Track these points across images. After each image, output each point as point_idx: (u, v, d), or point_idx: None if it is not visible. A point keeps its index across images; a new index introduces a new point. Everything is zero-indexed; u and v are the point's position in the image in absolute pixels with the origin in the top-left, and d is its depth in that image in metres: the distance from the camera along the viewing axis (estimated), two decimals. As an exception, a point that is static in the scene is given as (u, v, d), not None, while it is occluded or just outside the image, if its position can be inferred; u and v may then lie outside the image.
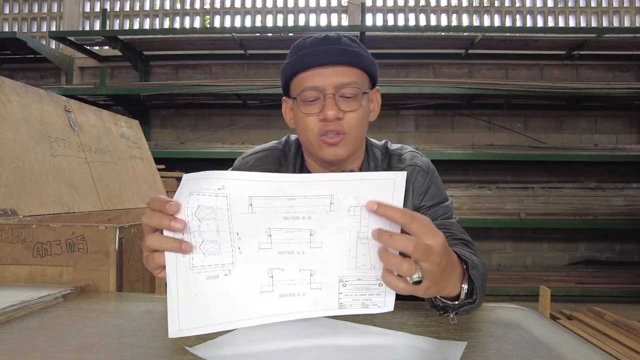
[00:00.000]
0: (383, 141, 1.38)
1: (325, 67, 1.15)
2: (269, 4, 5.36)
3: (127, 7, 5.49)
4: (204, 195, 0.77)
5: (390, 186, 0.76)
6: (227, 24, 5.36)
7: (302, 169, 1.30)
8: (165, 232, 0.76)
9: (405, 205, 1.17)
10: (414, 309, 0.96)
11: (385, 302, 0.80)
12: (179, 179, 3.61)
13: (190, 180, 0.78)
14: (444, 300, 0.86)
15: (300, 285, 0.80)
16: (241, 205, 0.77)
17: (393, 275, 0.74)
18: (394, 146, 1.36)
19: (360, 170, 1.27)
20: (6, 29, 5.55)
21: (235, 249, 0.78)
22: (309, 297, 0.80)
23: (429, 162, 1.34)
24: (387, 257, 0.73)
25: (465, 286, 0.85)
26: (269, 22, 5.35)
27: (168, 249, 0.76)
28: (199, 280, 0.78)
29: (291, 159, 1.32)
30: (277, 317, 0.80)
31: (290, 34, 4.85)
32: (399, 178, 0.77)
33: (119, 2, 5.50)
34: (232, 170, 1.23)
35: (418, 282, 0.72)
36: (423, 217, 0.74)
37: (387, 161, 1.31)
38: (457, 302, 0.86)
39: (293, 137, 1.37)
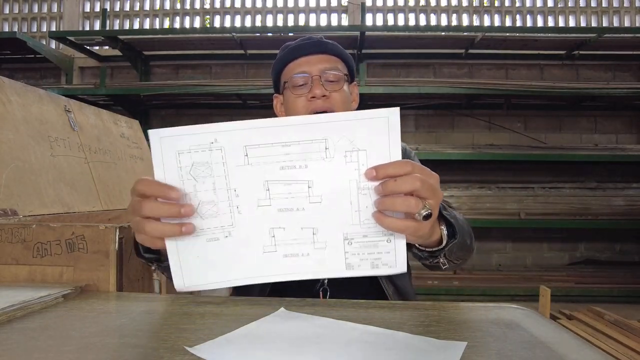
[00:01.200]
0: None
1: (311, 56, 1.35)
2: (269, 4, 5.37)
3: (127, 7, 5.49)
4: (196, 151, 0.76)
5: (384, 125, 0.75)
6: (227, 24, 5.37)
7: None
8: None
9: None
10: (414, 308, 0.96)
11: (397, 261, 0.78)
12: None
13: (169, 137, 0.77)
14: (430, 249, 0.93)
15: (304, 245, 0.79)
16: (237, 156, 0.76)
17: (400, 217, 0.75)
18: None
19: None
20: (6, 29, 5.54)
21: (234, 209, 0.77)
22: (313, 257, 0.79)
23: (405, 145, 1.45)
24: (391, 199, 0.74)
25: (443, 228, 0.91)
26: (269, 22, 5.35)
27: (170, 235, 0.78)
28: (198, 242, 0.79)
29: None
30: (284, 276, 0.81)
31: (290, 34, 4.84)
32: (393, 115, 0.76)
33: (119, 2, 5.50)
34: None
35: (428, 216, 0.73)
36: (417, 163, 0.78)
37: None
38: (442, 246, 0.92)
39: None
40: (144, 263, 1.07)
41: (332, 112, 1.29)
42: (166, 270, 0.97)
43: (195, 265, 0.79)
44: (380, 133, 0.75)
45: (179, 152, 0.75)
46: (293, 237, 0.78)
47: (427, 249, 0.93)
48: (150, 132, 0.76)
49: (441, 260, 0.96)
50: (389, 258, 0.78)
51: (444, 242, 0.92)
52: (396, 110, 0.76)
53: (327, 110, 1.30)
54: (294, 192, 0.76)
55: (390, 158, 0.76)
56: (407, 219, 0.75)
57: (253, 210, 0.77)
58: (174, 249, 0.78)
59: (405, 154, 1.39)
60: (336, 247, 0.78)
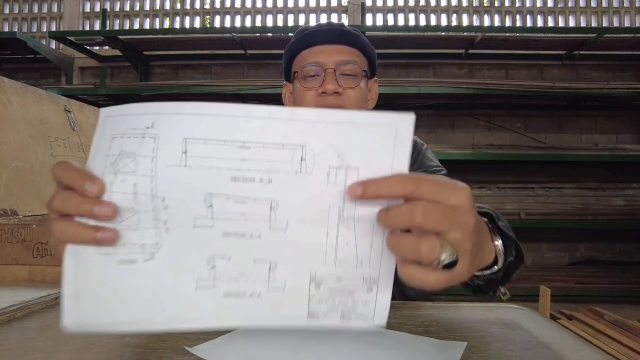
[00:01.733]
0: None
1: (327, 45, 1.20)
2: (269, 4, 5.36)
3: (127, 7, 5.49)
4: (128, 137, 0.55)
5: (390, 135, 0.53)
6: (227, 24, 5.36)
7: None
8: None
9: None
10: (413, 308, 0.96)
11: (375, 314, 0.56)
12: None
13: (113, 117, 0.59)
14: (484, 273, 0.73)
15: (255, 283, 0.56)
16: (171, 152, 0.54)
17: (413, 264, 0.52)
18: None
19: None
20: (6, 29, 5.54)
21: (160, 224, 0.54)
22: (266, 299, 0.56)
23: (416, 138, 1.35)
24: (394, 239, 0.51)
25: (498, 242, 0.71)
26: (269, 22, 5.35)
27: (77, 239, 0.54)
28: (106, 265, 0.55)
29: None
30: (221, 321, 0.57)
31: (290, 34, 4.83)
32: (405, 123, 0.53)
33: (119, 2, 5.50)
34: None
35: (452, 263, 0.53)
36: (431, 176, 0.53)
37: None
38: (497, 267, 0.72)
39: None
40: None
41: None
42: None
43: (98, 297, 0.55)
44: (382, 147, 0.53)
45: (114, 136, 0.56)
46: (241, 271, 0.55)
47: (481, 274, 0.74)
48: (101, 110, 0.61)
49: (502, 290, 0.79)
50: (366, 310, 0.56)
51: (500, 264, 0.72)
52: (410, 118, 0.53)
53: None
54: (249, 214, 0.54)
55: None
56: (428, 268, 0.52)
57: (187, 229, 0.54)
58: (71, 268, 0.54)
59: (415, 150, 1.26)
60: (299, 289, 0.56)
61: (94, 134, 0.59)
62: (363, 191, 0.51)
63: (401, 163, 0.53)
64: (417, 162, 1.28)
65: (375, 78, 1.32)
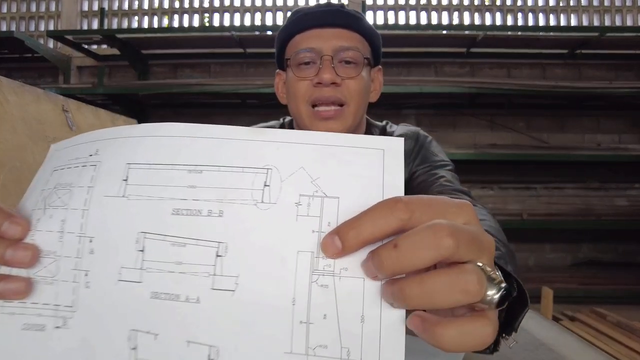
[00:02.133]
0: (384, 122, 1.26)
1: (324, 29, 1.05)
2: (269, 3, 5.34)
3: (125, 6, 5.47)
4: (69, 168, 0.46)
5: (377, 161, 0.41)
6: (226, 23, 5.33)
7: None
8: None
9: None
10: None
11: None
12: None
13: (59, 150, 0.49)
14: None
15: None
16: (111, 180, 0.43)
17: (449, 322, 0.36)
18: (392, 127, 1.24)
19: None
20: (4, 28, 5.51)
21: (80, 277, 0.41)
22: None
23: (419, 130, 1.22)
24: (420, 287, 0.34)
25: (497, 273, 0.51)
26: (269, 21, 5.32)
27: None
28: (7, 328, 0.41)
29: None
30: None
31: (290, 33, 4.82)
32: (394, 146, 0.42)
33: (117, 1, 5.47)
34: None
35: (506, 297, 0.36)
36: (424, 196, 0.38)
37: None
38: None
39: (289, 117, 1.26)
40: None
41: (343, 105, 1.02)
42: None
43: None
44: (368, 174, 0.41)
45: (54, 169, 0.47)
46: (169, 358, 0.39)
47: None
48: (52, 145, 0.51)
49: (510, 340, 0.59)
50: None
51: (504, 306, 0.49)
52: (399, 141, 0.42)
53: (335, 104, 1.02)
54: (186, 263, 0.40)
55: None
56: (473, 320, 0.36)
57: (109, 285, 0.41)
58: None
59: (417, 143, 1.16)
60: None
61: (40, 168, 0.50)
62: (342, 242, 0.36)
63: (394, 192, 0.40)
64: (420, 156, 1.14)
65: (380, 67, 1.17)
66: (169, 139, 0.44)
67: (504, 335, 0.56)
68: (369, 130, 1.20)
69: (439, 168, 1.10)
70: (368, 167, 0.41)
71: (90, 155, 0.45)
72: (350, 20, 1.06)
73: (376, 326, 0.36)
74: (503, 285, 0.36)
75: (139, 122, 2.70)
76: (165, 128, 0.44)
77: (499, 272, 0.38)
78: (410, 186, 1.09)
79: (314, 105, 1.04)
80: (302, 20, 1.08)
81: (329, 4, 1.09)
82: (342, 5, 1.09)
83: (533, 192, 4.71)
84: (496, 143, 4.95)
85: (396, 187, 0.40)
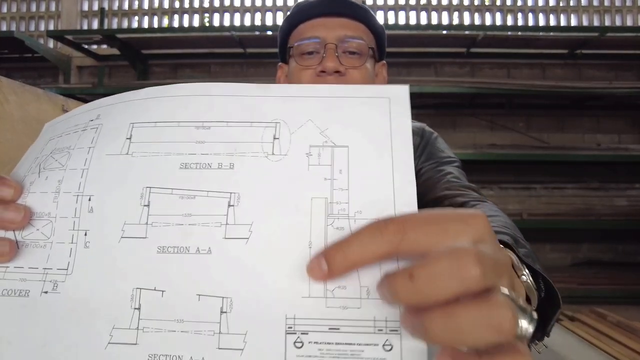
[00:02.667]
0: None
1: (329, 17, 1.03)
2: (269, 3, 5.33)
3: (125, 6, 5.46)
4: (67, 134, 0.45)
5: (384, 108, 0.42)
6: (227, 23, 5.33)
7: None
8: None
9: None
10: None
11: None
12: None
13: (55, 124, 0.49)
14: None
15: (196, 338, 0.36)
16: (113, 139, 0.42)
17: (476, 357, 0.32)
18: None
19: None
20: (4, 28, 5.51)
21: (79, 237, 0.39)
22: None
23: (425, 125, 1.22)
24: (444, 323, 0.30)
25: (525, 277, 0.52)
26: (269, 21, 5.31)
27: None
28: None
29: None
30: None
31: (290, 33, 4.81)
32: (399, 93, 0.44)
33: (117, 1, 5.46)
34: None
35: (533, 325, 0.34)
36: (422, 213, 0.35)
37: None
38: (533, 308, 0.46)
39: None
40: None
41: None
42: None
43: None
44: (376, 121, 0.41)
45: (50, 139, 0.47)
46: (177, 315, 0.36)
47: None
48: (46, 123, 0.51)
49: (540, 346, 0.59)
50: None
51: (534, 303, 0.54)
52: (404, 88, 0.44)
53: None
54: (196, 214, 0.38)
55: (392, 164, 0.40)
56: (507, 353, 0.32)
57: (111, 243, 0.39)
58: None
59: (422, 139, 1.14)
60: (267, 349, 0.35)
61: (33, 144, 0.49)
62: (328, 265, 0.34)
63: (402, 138, 0.40)
64: (426, 152, 1.13)
65: (384, 62, 1.16)
66: (173, 99, 0.43)
67: (535, 342, 0.53)
68: None
69: (445, 164, 1.09)
70: (375, 116, 0.41)
71: (91, 120, 0.44)
72: (356, 10, 1.04)
73: (394, 264, 0.36)
74: (534, 315, 0.34)
75: (139, 122, 2.70)
76: (169, 89, 0.44)
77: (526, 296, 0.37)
78: (417, 183, 1.05)
79: None
80: (306, 9, 1.06)
81: None
82: None
83: (533, 192, 4.70)
84: (496, 143, 4.94)
85: (403, 133, 0.41)
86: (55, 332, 0.37)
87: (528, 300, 0.52)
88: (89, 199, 0.40)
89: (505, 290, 0.33)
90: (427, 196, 0.96)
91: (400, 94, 0.43)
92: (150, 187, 0.39)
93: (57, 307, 0.38)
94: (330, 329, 0.34)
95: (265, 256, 0.37)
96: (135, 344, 0.36)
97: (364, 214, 0.37)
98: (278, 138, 0.40)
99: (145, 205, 0.39)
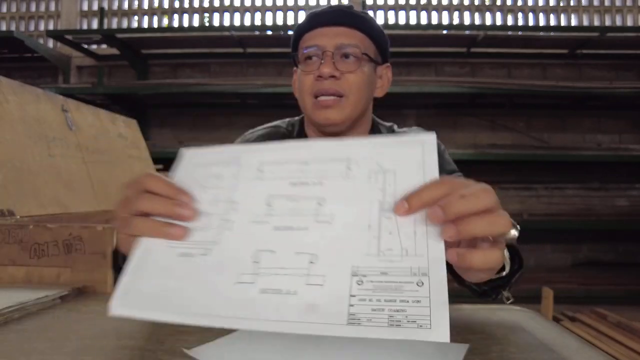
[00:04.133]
0: (389, 123, 1.37)
1: (329, 27, 1.16)
2: (269, 2, 5.35)
3: (125, 6, 5.48)
4: (216, 165, 0.71)
5: (418, 150, 0.63)
6: (226, 22, 5.34)
7: None
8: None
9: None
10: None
11: (433, 320, 0.49)
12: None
13: (196, 154, 0.75)
14: (492, 278, 0.71)
15: (292, 278, 0.56)
16: (250, 171, 0.69)
17: (476, 250, 0.55)
18: (400, 128, 1.35)
19: None
20: (3, 28, 5.53)
21: (225, 224, 0.64)
22: (302, 297, 0.54)
23: (435, 135, 1.32)
24: (470, 223, 0.53)
25: (505, 250, 0.67)
26: (269, 21, 5.33)
27: (152, 233, 0.64)
28: (169, 255, 0.63)
29: (295, 136, 1.30)
30: (251, 323, 0.54)
31: (290, 32, 4.81)
32: (428, 139, 0.64)
33: (116, 1, 5.48)
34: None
35: (516, 231, 0.59)
36: (458, 178, 0.65)
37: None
38: (504, 273, 0.72)
39: (296, 118, 1.37)
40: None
41: (342, 96, 1.13)
42: None
43: (152, 283, 0.60)
44: (413, 156, 0.63)
45: (198, 165, 0.72)
46: (281, 265, 0.57)
47: (488, 282, 0.74)
48: (184, 150, 0.76)
49: (505, 294, 0.80)
50: (419, 312, 0.49)
51: (507, 270, 0.71)
52: (432, 135, 0.65)
53: (334, 95, 1.12)
54: (298, 209, 0.62)
55: (423, 180, 0.60)
56: (492, 248, 0.56)
57: (244, 225, 0.63)
58: (138, 255, 0.63)
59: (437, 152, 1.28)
60: (339, 285, 0.54)
61: (175, 166, 0.74)
62: (408, 205, 0.56)
63: (431, 167, 0.61)
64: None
65: (388, 64, 1.27)
66: (290, 149, 0.71)
67: (503, 292, 0.80)
68: (377, 128, 1.30)
69: (451, 173, 1.29)
70: (413, 153, 0.63)
71: (234, 159, 0.71)
72: (353, 20, 1.16)
73: (423, 236, 0.55)
74: (517, 227, 0.60)
75: (139, 122, 2.71)
76: (287, 145, 0.72)
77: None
78: None
79: (316, 97, 1.15)
80: (311, 20, 1.19)
81: (337, 6, 1.19)
82: (350, 7, 1.20)
83: (533, 192, 4.71)
84: (496, 143, 4.96)
85: (431, 163, 0.62)
86: (206, 276, 0.60)
87: (503, 268, 0.71)
88: (234, 204, 0.66)
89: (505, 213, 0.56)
90: None
91: (430, 139, 0.65)
92: (272, 195, 0.65)
93: (208, 263, 0.61)
94: (381, 273, 0.54)
95: (341, 231, 0.59)
96: (252, 282, 0.57)
97: (403, 217, 0.59)
98: (350, 169, 0.65)
99: (268, 205, 0.64)
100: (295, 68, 1.27)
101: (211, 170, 0.70)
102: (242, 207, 0.65)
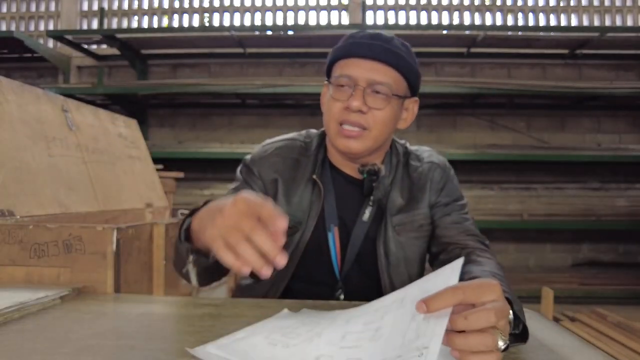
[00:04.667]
0: (402, 141, 1.41)
1: (365, 60, 1.16)
2: (269, 2, 5.35)
3: (125, 6, 5.48)
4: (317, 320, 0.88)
5: (451, 274, 0.72)
6: (226, 23, 5.34)
7: (324, 160, 1.31)
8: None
9: (422, 201, 1.29)
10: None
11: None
12: (177, 179, 3.59)
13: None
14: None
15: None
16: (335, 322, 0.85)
17: (474, 355, 0.65)
18: (412, 147, 1.40)
19: (382, 163, 1.29)
20: (3, 28, 5.53)
21: (309, 341, 0.77)
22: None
23: (446, 160, 1.38)
24: (464, 339, 0.64)
25: (511, 315, 0.75)
26: (268, 21, 5.32)
27: (253, 264, 0.73)
28: (258, 338, 0.79)
29: (313, 149, 1.31)
30: None
31: (290, 33, 4.81)
32: (457, 264, 0.73)
33: (116, 1, 5.48)
34: (249, 158, 1.33)
35: (507, 347, 0.66)
36: (466, 282, 0.68)
37: (406, 159, 1.34)
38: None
39: (314, 130, 1.39)
40: (183, 254, 0.99)
41: (365, 130, 1.16)
42: (200, 267, 0.97)
43: (239, 344, 0.76)
44: (447, 281, 0.70)
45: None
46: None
47: None
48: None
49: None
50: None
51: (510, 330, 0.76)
52: (460, 261, 0.73)
53: (359, 127, 1.16)
54: (360, 336, 0.76)
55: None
56: (487, 355, 0.65)
57: (321, 344, 0.76)
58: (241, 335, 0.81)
59: (444, 174, 1.33)
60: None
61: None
62: (427, 307, 0.64)
63: (452, 278, 0.70)
64: (446, 188, 1.32)
65: (416, 98, 1.29)
66: (327, 316, 0.89)
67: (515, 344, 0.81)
68: (394, 147, 1.35)
69: (463, 208, 1.33)
70: (446, 279, 0.70)
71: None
72: (389, 57, 1.17)
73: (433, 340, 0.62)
74: (508, 341, 0.66)
75: (139, 122, 2.71)
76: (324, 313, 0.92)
77: (512, 320, 0.74)
78: (439, 212, 1.30)
79: (341, 124, 1.18)
80: (350, 47, 1.20)
81: (377, 36, 1.19)
82: (390, 40, 1.20)
83: (533, 192, 4.71)
84: (496, 143, 4.96)
85: (454, 279, 0.69)
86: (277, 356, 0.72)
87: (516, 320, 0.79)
88: (319, 334, 0.79)
89: (499, 325, 0.64)
90: (454, 237, 1.24)
91: (457, 264, 0.72)
92: (347, 331, 0.78)
93: (283, 354, 0.73)
94: (397, 356, 0.64)
95: (381, 341, 0.72)
96: None
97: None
98: (403, 301, 0.75)
99: (342, 337, 0.77)
100: (326, 82, 1.27)
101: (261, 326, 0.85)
102: (325, 335, 0.78)
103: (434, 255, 1.30)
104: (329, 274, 1.26)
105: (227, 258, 0.73)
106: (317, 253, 1.26)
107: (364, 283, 1.27)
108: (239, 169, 1.34)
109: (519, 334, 0.78)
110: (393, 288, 1.21)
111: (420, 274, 1.32)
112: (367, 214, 1.26)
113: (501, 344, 0.64)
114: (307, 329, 0.84)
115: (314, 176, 1.26)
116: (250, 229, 0.72)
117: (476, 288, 0.67)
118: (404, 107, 1.25)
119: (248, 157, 1.33)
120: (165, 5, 5.45)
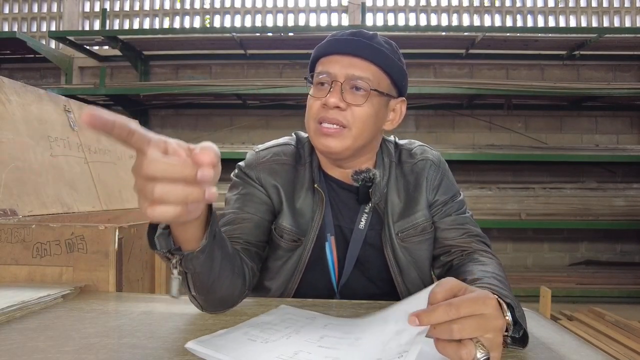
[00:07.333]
0: (391, 136, 1.37)
1: (344, 56, 1.13)
2: (269, 4, 5.35)
3: (127, 7, 5.48)
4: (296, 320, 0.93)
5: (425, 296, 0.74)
6: (227, 24, 5.35)
7: (319, 166, 1.25)
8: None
9: (420, 201, 1.25)
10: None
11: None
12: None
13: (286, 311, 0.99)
14: None
15: None
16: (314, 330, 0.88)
17: None
18: (401, 141, 1.35)
19: (375, 166, 1.24)
20: (6, 29, 5.53)
21: (287, 337, 0.81)
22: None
23: (440, 155, 1.34)
24: (442, 346, 0.68)
25: (508, 317, 0.75)
26: (269, 22, 5.33)
27: (191, 199, 0.64)
28: (237, 334, 0.82)
29: (306, 157, 1.26)
30: None
31: (290, 34, 4.82)
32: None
33: (118, 2, 5.49)
34: (245, 164, 1.25)
35: (484, 356, 0.67)
36: (461, 297, 0.69)
37: (398, 156, 1.30)
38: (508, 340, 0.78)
39: (302, 134, 1.34)
40: (161, 256, 0.82)
41: (345, 128, 1.12)
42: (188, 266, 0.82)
43: (222, 341, 0.78)
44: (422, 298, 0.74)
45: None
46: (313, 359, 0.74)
47: None
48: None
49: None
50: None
51: (509, 332, 0.76)
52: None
53: (337, 124, 1.11)
54: (340, 342, 0.80)
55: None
56: None
57: (300, 341, 0.80)
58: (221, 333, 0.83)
59: (439, 170, 1.29)
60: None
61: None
62: (419, 321, 0.67)
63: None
64: (443, 185, 1.29)
65: (404, 98, 1.24)
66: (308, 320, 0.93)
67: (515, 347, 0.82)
68: (384, 146, 1.30)
69: (462, 205, 1.30)
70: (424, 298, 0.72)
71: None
72: (370, 52, 1.13)
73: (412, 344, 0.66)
74: (486, 356, 0.67)
75: (140, 123, 2.72)
76: (305, 312, 0.97)
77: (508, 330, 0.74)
78: (439, 213, 1.27)
79: (320, 123, 1.13)
80: (329, 45, 1.16)
81: (358, 33, 1.16)
82: (372, 37, 1.16)
83: (531, 192, 4.71)
84: (495, 143, 4.97)
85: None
86: (259, 350, 0.75)
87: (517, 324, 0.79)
88: (299, 333, 0.84)
89: (482, 338, 0.68)
90: (455, 239, 1.24)
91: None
92: (324, 334, 0.83)
93: (263, 347, 0.76)
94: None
95: (361, 345, 0.78)
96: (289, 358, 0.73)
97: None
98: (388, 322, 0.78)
99: (321, 337, 0.82)
100: (309, 84, 1.23)
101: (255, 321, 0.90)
102: (303, 333, 0.83)
103: (436, 257, 1.27)
104: (327, 284, 1.22)
105: (161, 215, 0.63)
106: (316, 264, 1.22)
107: (370, 291, 1.24)
108: (234, 174, 1.27)
109: (518, 338, 0.77)
110: (409, 293, 1.18)
111: (431, 273, 1.30)
112: (363, 222, 1.22)
113: (480, 356, 0.66)
114: (285, 326, 0.87)
115: (316, 185, 1.21)
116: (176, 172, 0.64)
117: (470, 303, 0.68)
118: (390, 107, 1.20)
119: (243, 162, 1.27)
120: (167, 6, 5.45)
